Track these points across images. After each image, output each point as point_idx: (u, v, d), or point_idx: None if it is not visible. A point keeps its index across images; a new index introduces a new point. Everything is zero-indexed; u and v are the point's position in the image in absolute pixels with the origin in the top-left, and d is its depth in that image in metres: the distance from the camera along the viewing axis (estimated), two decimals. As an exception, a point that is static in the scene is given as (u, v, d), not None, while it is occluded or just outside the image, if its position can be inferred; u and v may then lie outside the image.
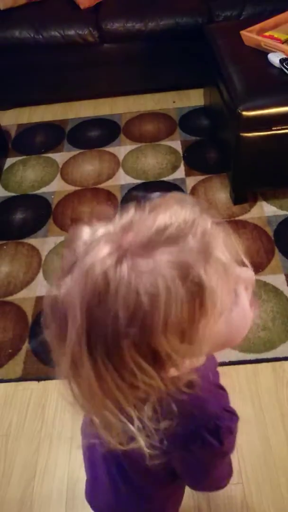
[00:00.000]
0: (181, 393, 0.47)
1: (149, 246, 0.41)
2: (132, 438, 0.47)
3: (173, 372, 0.45)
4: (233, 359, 1.47)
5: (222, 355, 1.47)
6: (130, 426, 0.46)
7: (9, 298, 1.74)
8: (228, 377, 1.44)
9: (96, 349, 0.41)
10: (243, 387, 1.41)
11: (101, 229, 0.44)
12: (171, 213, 0.43)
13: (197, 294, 0.41)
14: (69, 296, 0.42)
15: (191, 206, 0.45)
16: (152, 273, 0.40)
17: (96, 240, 0.43)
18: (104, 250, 0.41)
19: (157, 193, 0.47)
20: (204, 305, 0.42)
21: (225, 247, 0.45)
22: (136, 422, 0.46)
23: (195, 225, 0.43)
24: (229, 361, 1.47)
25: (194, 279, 0.41)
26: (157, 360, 0.42)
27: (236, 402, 1.45)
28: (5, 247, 1.95)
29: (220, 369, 1.58)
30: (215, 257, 0.43)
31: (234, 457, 1.27)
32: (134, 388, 0.43)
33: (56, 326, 0.44)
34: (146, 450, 0.48)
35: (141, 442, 0.47)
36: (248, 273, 0.50)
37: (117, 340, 0.40)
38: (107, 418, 0.46)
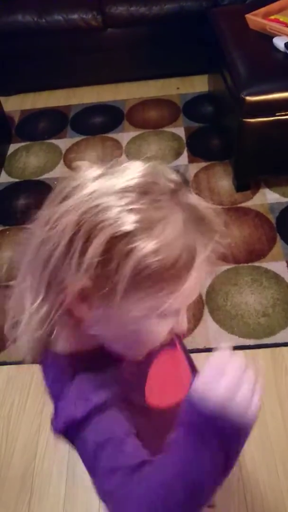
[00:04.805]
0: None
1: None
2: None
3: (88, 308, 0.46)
4: (233, 344, 1.48)
5: (222, 341, 1.48)
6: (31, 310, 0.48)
7: (12, 283, 1.76)
8: (228, 362, 1.45)
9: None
10: (242, 372, 1.42)
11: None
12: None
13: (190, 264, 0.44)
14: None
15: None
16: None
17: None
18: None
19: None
20: (181, 278, 0.44)
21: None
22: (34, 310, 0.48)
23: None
24: (229, 347, 1.48)
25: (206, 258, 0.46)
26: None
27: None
28: (8, 232, 1.96)
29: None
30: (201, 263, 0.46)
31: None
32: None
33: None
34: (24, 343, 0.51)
35: (23, 330, 0.49)
36: (184, 325, 0.51)
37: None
38: (22, 292, 0.49)
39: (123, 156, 2.22)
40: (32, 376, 1.49)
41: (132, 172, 0.44)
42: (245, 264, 1.70)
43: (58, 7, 2.40)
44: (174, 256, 0.42)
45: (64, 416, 0.49)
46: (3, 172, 2.25)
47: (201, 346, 1.47)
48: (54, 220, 0.45)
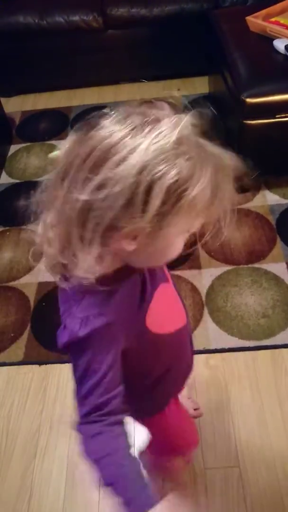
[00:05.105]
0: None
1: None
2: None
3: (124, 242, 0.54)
4: (233, 345, 1.48)
5: (221, 342, 1.48)
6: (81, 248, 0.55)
7: (12, 284, 1.76)
8: (228, 363, 1.45)
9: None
10: (242, 374, 1.43)
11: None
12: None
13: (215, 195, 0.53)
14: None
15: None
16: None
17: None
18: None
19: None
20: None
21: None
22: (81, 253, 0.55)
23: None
24: (229, 348, 1.48)
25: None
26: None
27: (234, 387, 1.47)
28: (8, 233, 1.97)
29: (219, 355, 1.59)
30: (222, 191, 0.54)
31: (231, 441, 1.30)
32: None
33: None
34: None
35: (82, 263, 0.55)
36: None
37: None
38: (69, 239, 0.55)
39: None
40: (32, 376, 1.49)
41: (168, 129, 0.51)
42: (245, 265, 1.70)
43: (59, 8, 2.40)
44: (208, 195, 0.53)
45: (69, 332, 0.57)
46: (3, 173, 2.26)
47: (201, 347, 1.48)
48: (103, 181, 0.50)
